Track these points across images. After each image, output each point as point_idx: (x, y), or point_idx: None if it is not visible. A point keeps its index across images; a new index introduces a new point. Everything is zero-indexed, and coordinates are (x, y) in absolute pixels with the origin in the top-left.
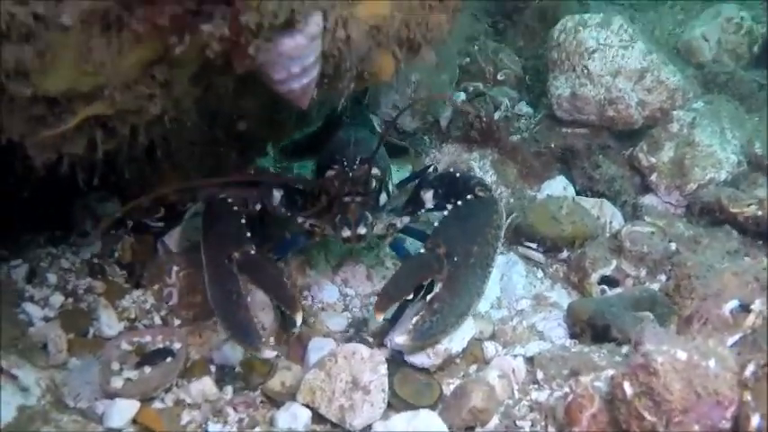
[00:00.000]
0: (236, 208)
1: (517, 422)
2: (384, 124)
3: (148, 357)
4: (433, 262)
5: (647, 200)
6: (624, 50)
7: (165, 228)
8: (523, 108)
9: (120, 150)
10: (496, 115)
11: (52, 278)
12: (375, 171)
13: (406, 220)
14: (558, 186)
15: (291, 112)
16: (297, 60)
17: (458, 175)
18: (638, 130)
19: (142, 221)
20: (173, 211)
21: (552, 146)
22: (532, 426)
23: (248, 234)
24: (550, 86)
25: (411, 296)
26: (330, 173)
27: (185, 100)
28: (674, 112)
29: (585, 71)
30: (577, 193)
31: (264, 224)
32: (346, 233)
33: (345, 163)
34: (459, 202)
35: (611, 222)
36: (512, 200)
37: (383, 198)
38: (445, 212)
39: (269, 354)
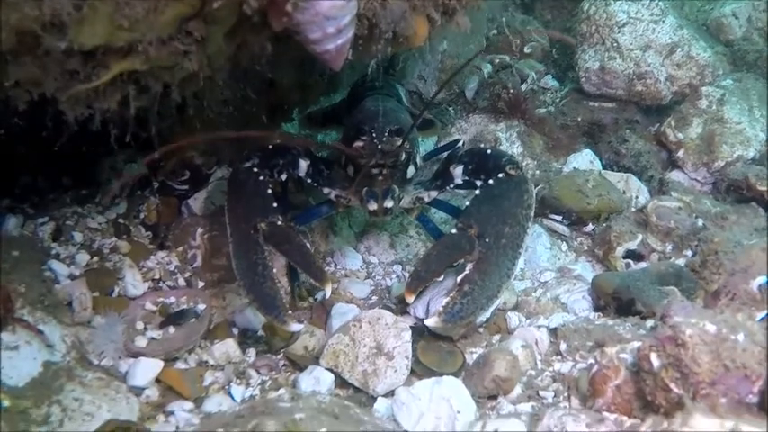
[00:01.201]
0: (261, 177)
1: (540, 392)
2: (410, 95)
3: (172, 318)
4: (464, 243)
5: (674, 176)
6: (655, 24)
7: (190, 191)
8: (549, 82)
9: (152, 107)
10: (522, 88)
11: (78, 237)
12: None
13: (434, 194)
14: (584, 160)
15: (322, 75)
16: (333, 21)
17: (489, 151)
18: (666, 105)
19: (167, 184)
20: (198, 174)
21: (579, 119)
22: (555, 396)
23: (274, 204)
24: (579, 59)
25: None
26: (358, 143)
27: (218, 58)
28: (703, 89)
29: (615, 44)
30: (603, 168)
31: (287, 192)
32: (373, 206)
33: (374, 134)
34: (491, 181)
35: (636, 197)
36: (538, 172)
37: (410, 171)
38: (476, 191)
39: (296, 326)
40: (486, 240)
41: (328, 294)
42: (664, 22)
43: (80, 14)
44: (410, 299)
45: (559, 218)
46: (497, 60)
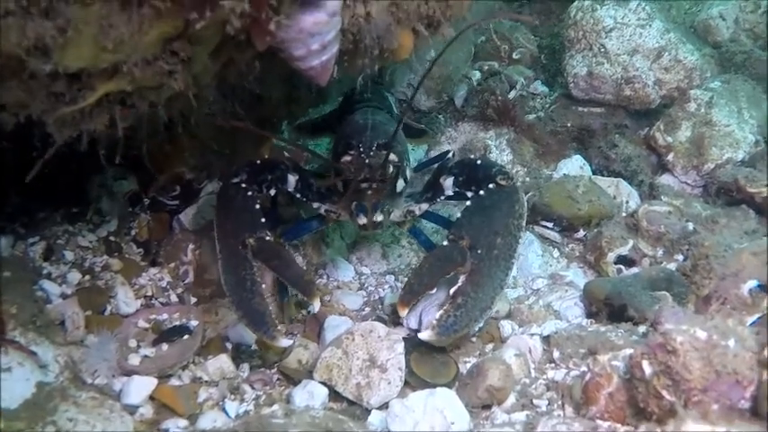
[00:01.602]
0: (250, 193)
1: (534, 401)
2: (400, 103)
3: (165, 335)
4: (456, 255)
5: (664, 180)
6: (642, 29)
7: (181, 205)
8: (539, 87)
9: (140, 126)
10: (511, 94)
11: (69, 255)
12: (392, 157)
13: (425, 206)
14: (574, 165)
15: (310, 89)
16: (317, 37)
17: (479, 162)
18: (655, 109)
19: (158, 199)
20: (188, 189)
21: (568, 125)
22: (549, 404)
23: (263, 219)
24: (567, 65)
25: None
26: (346, 158)
27: (205, 76)
28: (692, 92)
29: (602, 50)
30: (593, 173)
31: (277, 206)
32: (362, 220)
33: (362, 149)
34: (482, 192)
35: (627, 202)
36: (528, 179)
37: (400, 184)
38: (467, 203)
39: (285, 342)
40: (479, 252)
41: (316, 309)
42: (650, 26)
43: (64, 38)
44: (403, 312)
45: (550, 224)
46: (486, 67)
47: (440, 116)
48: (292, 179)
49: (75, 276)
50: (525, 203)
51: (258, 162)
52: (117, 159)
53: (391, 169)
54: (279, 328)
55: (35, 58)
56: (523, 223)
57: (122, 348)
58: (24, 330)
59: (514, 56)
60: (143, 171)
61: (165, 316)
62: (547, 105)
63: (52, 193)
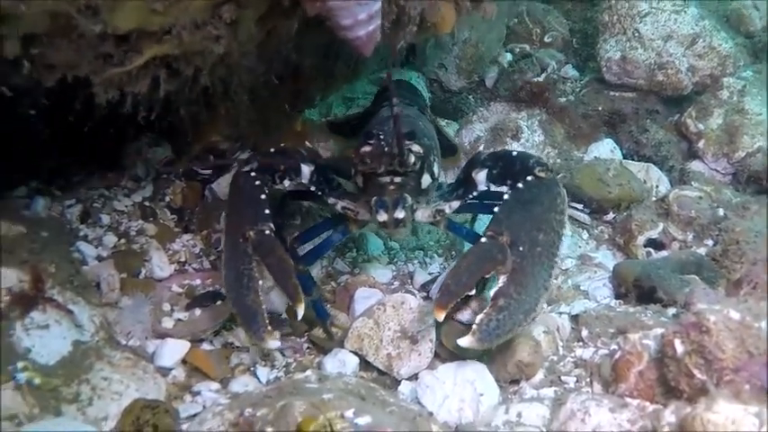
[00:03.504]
0: (258, 182)
1: (562, 377)
2: (430, 83)
3: (198, 300)
4: (496, 252)
5: (694, 166)
6: (677, 15)
7: (214, 175)
8: (569, 71)
9: (181, 91)
10: (542, 77)
11: (105, 219)
12: (416, 148)
13: (456, 204)
14: (605, 149)
15: (347, 63)
16: (365, 7)
17: (514, 153)
18: (687, 95)
19: (191, 168)
20: (221, 159)
21: (600, 109)
22: (577, 381)
23: (267, 211)
24: (600, 49)
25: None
26: (365, 149)
27: (248, 43)
28: (725, 79)
29: (637, 34)
30: (624, 157)
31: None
32: (383, 216)
33: (382, 137)
34: (520, 185)
35: (657, 187)
36: (559, 160)
37: (426, 180)
38: (505, 196)
39: (273, 344)
40: (520, 249)
41: (300, 316)
42: (686, 12)
43: None
44: (440, 316)
45: (580, 206)
46: (517, 49)
47: (470, 96)
48: (307, 170)
49: (110, 239)
50: (566, 197)
51: (272, 150)
52: (154, 122)
53: (413, 160)
54: (269, 329)
55: (85, 17)
56: (565, 219)
57: (156, 311)
58: (62, 290)
59: (546, 39)
60: (178, 139)
61: (198, 281)
62: (577, 90)
63: (88, 157)
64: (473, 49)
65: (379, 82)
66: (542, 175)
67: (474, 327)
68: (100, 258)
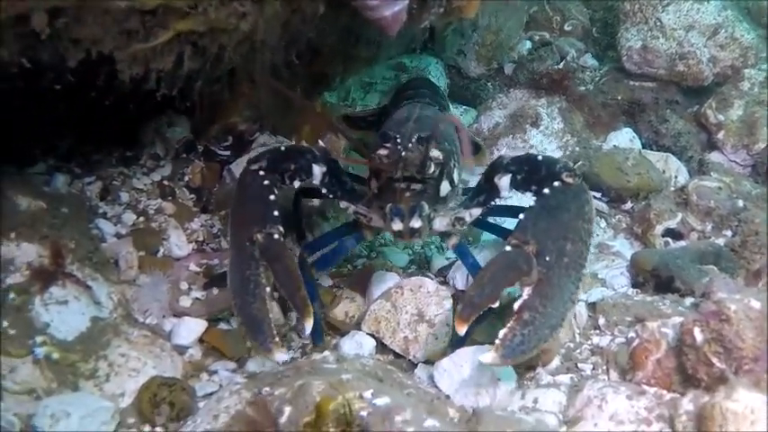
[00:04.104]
0: (266, 182)
1: (579, 364)
2: (448, 69)
3: (216, 279)
4: (521, 262)
5: (713, 157)
6: (699, 4)
7: (232, 156)
8: (588, 61)
9: (204, 69)
10: (561, 65)
11: (124, 197)
12: (435, 153)
13: (476, 212)
14: (624, 138)
15: (367, 46)
16: None
17: (540, 158)
18: (707, 86)
19: (210, 149)
20: (240, 139)
21: (619, 98)
22: (594, 369)
23: (275, 213)
24: (621, 38)
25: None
26: (381, 152)
27: (273, 21)
28: (746, 71)
29: (658, 23)
30: (643, 147)
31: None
32: (398, 225)
33: (399, 140)
34: (546, 191)
35: (676, 177)
36: (578, 148)
37: (445, 187)
38: (531, 203)
39: (281, 357)
40: (547, 259)
41: (308, 331)
42: (708, 2)
43: None
44: (462, 330)
45: (599, 194)
46: (537, 37)
47: (488, 83)
48: (318, 171)
49: (129, 217)
50: (594, 205)
51: (282, 148)
52: (174, 101)
53: (433, 168)
54: (276, 340)
55: None
56: (593, 228)
57: (174, 290)
58: (81, 266)
59: (566, 27)
60: (196, 119)
61: (215, 261)
62: (597, 79)
63: (108, 135)
64: (493, 36)
65: (398, 68)
66: (570, 180)
67: (497, 342)
68: (119, 236)
